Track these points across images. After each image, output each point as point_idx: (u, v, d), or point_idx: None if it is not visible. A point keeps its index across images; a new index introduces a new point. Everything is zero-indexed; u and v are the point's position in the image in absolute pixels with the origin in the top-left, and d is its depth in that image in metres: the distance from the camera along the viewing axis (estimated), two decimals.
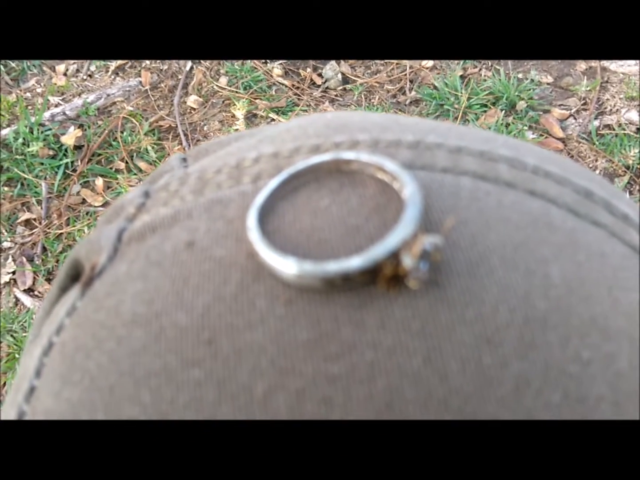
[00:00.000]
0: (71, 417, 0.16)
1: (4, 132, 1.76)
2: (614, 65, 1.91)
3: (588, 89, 1.85)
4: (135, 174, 1.68)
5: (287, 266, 0.16)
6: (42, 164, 1.71)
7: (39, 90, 1.91)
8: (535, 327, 0.16)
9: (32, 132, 1.74)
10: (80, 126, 1.79)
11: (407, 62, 1.93)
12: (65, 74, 1.95)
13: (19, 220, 1.64)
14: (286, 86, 1.89)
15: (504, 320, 0.15)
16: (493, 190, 0.18)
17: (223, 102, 1.86)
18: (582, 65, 1.92)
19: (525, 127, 1.75)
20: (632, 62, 1.90)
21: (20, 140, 1.74)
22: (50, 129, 1.76)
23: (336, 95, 1.86)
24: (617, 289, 0.17)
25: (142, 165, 1.70)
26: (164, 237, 0.18)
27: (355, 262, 0.15)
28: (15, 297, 1.53)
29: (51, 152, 1.74)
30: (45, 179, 1.70)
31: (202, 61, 1.96)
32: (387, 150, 0.19)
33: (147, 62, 1.97)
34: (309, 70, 1.92)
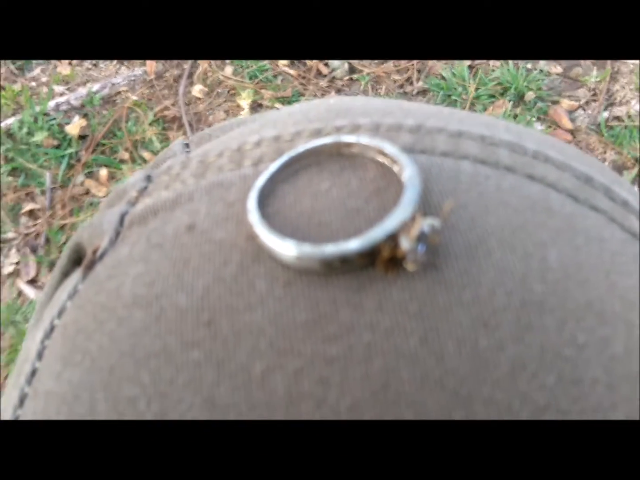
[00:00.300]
0: (71, 398, 0.17)
1: (9, 121, 1.76)
2: None
3: (598, 79, 1.84)
4: (139, 164, 1.68)
5: (286, 248, 0.16)
6: (46, 153, 1.71)
7: (44, 79, 1.91)
8: (531, 310, 0.16)
9: (36, 122, 1.74)
10: (85, 116, 1.79)
11: None
12: (70, 63, 1.95)
13: (22, 211, 1.64)
14: (292, 76, 1.88)
15: (500, 303, 0.16)
16: (493, 174, 0.18)
17: (228, 91, 1.86)
18: None
19: (534, 118, 1.74)
20: None
21: (25, 129, 1.74)
22: (54, 119, 1.76)
23: (343, 85, 1.86)
24: (615, 273, 0.17)
25: (147, 155, 1.70)
26: (165, 220, 0.19)
27: (353, 245, 0.16)
28: (19, 288, 1.54)
29: (55, 142, 1.74)
30: (49, 169, 1.70)
31: None
32: (388, 134, 0.19)
33: None
34: (315, 60, 1.92)
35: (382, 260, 0.16)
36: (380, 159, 0.18)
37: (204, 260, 0.17)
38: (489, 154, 0.19)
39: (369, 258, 0.16)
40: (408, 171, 0.17)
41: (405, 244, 0.16)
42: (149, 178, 0.21)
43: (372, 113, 0.21)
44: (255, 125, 0.22)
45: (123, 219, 0.20)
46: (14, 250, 1.59)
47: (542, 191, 0.18)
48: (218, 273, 0.17)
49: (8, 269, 1.56)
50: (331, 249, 0.16)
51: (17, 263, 1.57)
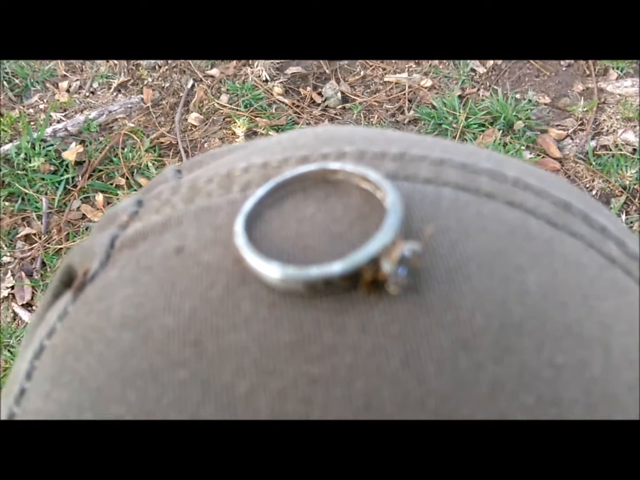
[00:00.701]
0: (60, 417, 0.17)
1: (6, 147, 1.77)
2: (610, 86, 1.92)
3: (585, 109, 1.86)
4: (135, 190, 1.69)
5: (271, 271, 0.16)
6: (43, 179, 1.71)
7: (41, 106, 1.92)
8: (510, 332, 0.16)
9: (34, 148, 1.75)
10: (82, 142, 1.80)
11: (405, 82, 1.94)
12: (67, 91, 1.96)
13: (18, 235, 1.64)
14: (286, 104, 1.90)
15: (480, 325, 0.16)
16: (473, 201, 0.18)
17: (224, 119, 1.87)
18: (579, 86, 1.93)
19: (523, 147, 1.76)
20: (629, 83, 1.91)
21: (22, 155, 1.74)
22: (52, 145, 1.77)
23: (335, 114, 1.87)
24: (593, 297, 0.17)
25: (143, 181, 1.71)
26: (155, 243, 0.19)
27: (336, 268, 0.16)
28: (14, 311, 1.53)
29: (52, 168, 1.74)
30: (46, 194, 1.70)
31: (203, 79, 1.97)
32: (372, 162, 0.19)
33: (149, 79, 1.98)
34: (309, 89, 1.94)
35: (364, 283, 0.16)
36: (364, 185, 0.18)
37: (191, 283, 0.17)
38: (470, 181, 0.19)
39: (352, 281, 0.16)
40: (390, 197, 0.17)
41: (386, 267, 0.16)
42: (139, 203, 0.21)
43: (357, 141, 0.21)
44: (245, 152, 0.22)
45: (114, 242, 0.20)
46: (9, 275, 1.58)
47: (521, 217, 0.18)
48: (205, 295, 0.17)
49: (3, 293, 1.55)
50: (315, 271, 0.16)
51: (12, 287, 1.56)
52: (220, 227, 0.18)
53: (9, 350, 1.42)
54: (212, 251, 0.18)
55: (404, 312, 0.16)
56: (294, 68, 2.01)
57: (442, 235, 0.17)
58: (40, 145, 1.76)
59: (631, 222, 1.61)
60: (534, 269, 0.17)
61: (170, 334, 0.16)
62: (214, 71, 2.01)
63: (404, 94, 1.92)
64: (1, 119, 1.84)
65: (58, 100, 1.93)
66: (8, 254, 1.61)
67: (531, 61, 2.01)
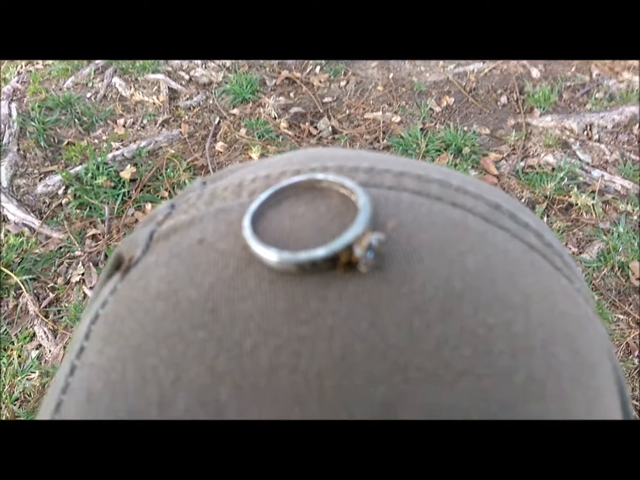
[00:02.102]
0: (109, 368, 0.16)
1: (77, 168, 1.76)
2: (535, 121, 1.93)
3: (516, 138, 1.86)
4: None
5: (270, 255, 0.16)
6: (105, 192, 1.71)
7: (104, 137, 1.91)
8: (453, 300, 0.16)
9: (98, 169, 1.74)
10: (135, 164, 1.80)
11: (380, 119, 1.94)
12: (124, 126, 1.96)
13: (87, 235, 1.64)
14: (290, 135, 1.89)
15: (429, 295, 0.16)
16: (425, 202, 0.18)
17: (242, 147, 1.87)
18: (511, 121, 1.94)
19: (469, 167, 1.76)
20: (549, 118, 1.92)
21: (90, 175, 1.74)
22: (112, 167, 1.77)
23: (327, 143, 1.87)
24: (516, 274, 0.17)
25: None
26: (183, 236, 0.19)
27: (320, 252, 0.16)
28: (84, 292, 1.52)
29: (112, 184, 1.74)
30: (107, 204, 1.70)
31: (227, 116, 1.96)
32: (349, 174, 0.19)
33: (186, 117, 1.98)
34: (307, 124, 1.94)
35: (341, 264, 0.16)
36: (342, 191, 0.18)
37: (210, 265, 0.17)
38: (423, 188, 0.19)
39: (332, 262, 0.16)
40: (362, 200, 0.17)
41: (358, 252, 0.16)
42: (173, 206, 0.21)
43: (337, 159, 0.21)
44: (254, 168, 0.22)
45: (152, 235, 0.20)
46: (80, 264, 1.58)
47: (462, 215, 0.18)
48: (220, 274, 0.17)
49: (76, 278, 1.55)
50: (304, 255, 0.16)
51: (83, 274, 1.56)
52: (232, 223, 0.18)
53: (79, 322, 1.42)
54: (226, 241, 0.18)
55: (372, 285, 0.16)
56: (296, 108, 2.00)
57: (401, 228, 0.17)
58: (103, 167, 1.75)
59: (551, 222, 1.61)
60: (471, 254, 0.17)
61: (193, 303, 0.16)
62: (235, 110, 2.00)
63: (379, 127, 1.92)
64: (72, 147, 1.83)
65: (117, 133, 1.92)
66: (79, 249, 1.60)
67: (474, 102, 2.01)
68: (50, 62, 2.19)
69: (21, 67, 2.21)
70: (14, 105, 2.01)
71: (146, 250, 0.19)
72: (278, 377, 0.15)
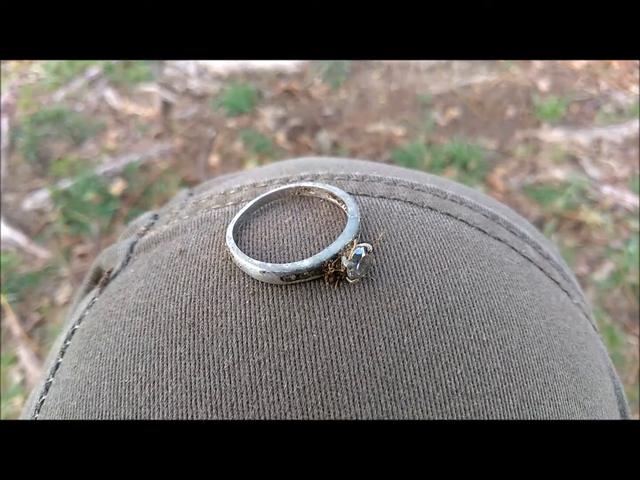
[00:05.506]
0: (84, 385, 0.16)
1: (67, 184, 1.77)
2: (543, 135, 1.94)
3: (524, 153, 1.87)
4: None
5: (253, 266, 0.16)
6: (94, 209, 1.71)
7: (95, 152, 1.92)
8: (445, 315, 0.16)
9: (88, 184, 1.75)
10: (126, 179, 1.80)
11: (383, 132, 1.95)
12: (116, 139, 1.97)
13: (75, 254, 1.64)
14: (288, 149, 1.90)
15: (420, 309, 0.16)
16: (418, 212, 0.18)
17: (238, 161, 1.88)
18: (519, 135, 1.95)
19: (475, 183, 1.76)
20: (558, 132, 1.93)
21: (79, 190, 1.74)
22: (102, 182, 1.77)
23: (327, 157, 1.88)
24: (512, 288, 0.17)
25: None
26: (164, 247, 0.19)
27: (305, 263, 0.16)
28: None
29: (102, 200, 1.74)
30: (96, 220, 1.70)
31: (222, 129, 1.98)
32: (339, 182, 0.19)
33: (180, 130, 1.99)
34: (306, 137, 1.94)
35: (328, 275, 0.16)
36: (331, 199, 0.18)
37: (190, 277, 0.17)
38: (416, 197, 0.19)
39: (318, 273, 0.16)
40: (351, 208, 0.17)
41: (345, 262, 0.16)
42: (155, 216, 0.21)
43: (329, 167, 0.21)
44: (242, 177, 0.22)
45: (133, 247, 0.20)
46: (67, 285, 1.57)
47: (456, 225, 0.18)
48: (200, 286, 0.17)
49: (62, 299, 1.54)
50: (288, 266, 0.16)
51: (70, 295, 1.55)
52: (215, 233, 0.18)
53: None
54: (208, 252, 0.18)
55: (360, 298, 0.16)
56: (295, 121, 2.02)
57: (392, 238, 0.17)
58: (92, 182, 1.76)
59: (561, 241, 1.61)
60: (465, 265, 0.17)
61: (172, 317, 0.16)
62: (231, 123, 2.01)
63: (382, 141, 1.93)
64: (60, 162, 1.84)
65: (108, 147, 1.93)
66: (66, 268, 1.60)
67: (480, 115, 2.02)
68: (43, 75, 2.21)
69: (13, 82, 2.23)
70: (5, 120, 2.03)
71: (126, 263, 0.19)
72: (259, 396, 0.15)
